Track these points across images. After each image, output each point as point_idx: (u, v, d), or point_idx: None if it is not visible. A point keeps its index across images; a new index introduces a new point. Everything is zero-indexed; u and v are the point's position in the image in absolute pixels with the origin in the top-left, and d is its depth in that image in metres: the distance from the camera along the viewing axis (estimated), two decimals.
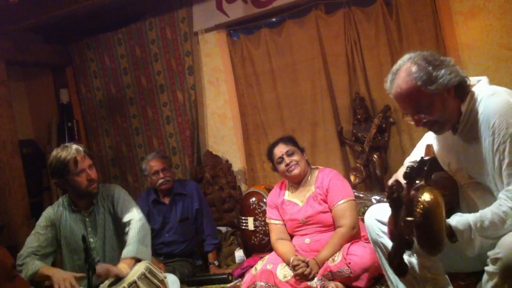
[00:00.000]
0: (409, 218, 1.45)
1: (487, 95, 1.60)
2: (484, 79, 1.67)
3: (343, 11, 3.46)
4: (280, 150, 2.61)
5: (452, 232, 1.47)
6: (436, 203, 1.41)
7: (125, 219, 2.36)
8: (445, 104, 1.60)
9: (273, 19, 3.79)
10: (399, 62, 1.66)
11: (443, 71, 1.57)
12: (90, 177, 2.33)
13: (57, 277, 2.13)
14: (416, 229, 1.44)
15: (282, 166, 2.59)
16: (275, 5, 3.59)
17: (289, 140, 2.68)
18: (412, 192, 1.50)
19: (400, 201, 1.48)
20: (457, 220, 1.49)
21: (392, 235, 1.54)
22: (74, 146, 2.35)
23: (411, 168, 1.50)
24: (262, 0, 3.62)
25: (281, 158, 2.59)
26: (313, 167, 2.68)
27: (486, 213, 1.50)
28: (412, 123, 1.66)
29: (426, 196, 1.41)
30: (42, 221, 2.40)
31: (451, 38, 3.17)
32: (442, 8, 3.20)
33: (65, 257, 2.41)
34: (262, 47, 3.78)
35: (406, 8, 3.28)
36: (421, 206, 1.41)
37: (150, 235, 2.39)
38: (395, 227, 1.49)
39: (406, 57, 1.66)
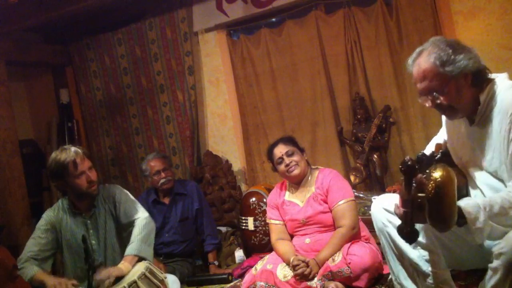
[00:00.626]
0: (420, 194, 1.47)
1: (505, 88, 1.63)
2: (503, 74, 1.70)
3: (343, 11, 3.46)
4: (280, 150, 2.60)
5: (461, 214, 1.49)
6: (448, 178, 1.44)
7: (130, 219, 2.35)
8: (460, 89, 1.63)
9: (273, 19, 3.79)
10: (425, 44, 1.71)
11: (462, 55, 1.61)
12: (90, 179, 2.31)
13: (52, 281, 2.14)
14: (428, 204, 1.46)
15: (282, 167, 2.59)
16: (275, 5, 3.59)
17: (289, 140, 2.68)
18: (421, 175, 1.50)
19: (413, 169, 1.48)
20: (466, 202, 1.51)
21: (404, 202, 1.54)
22: (73, 148, 2.33)
23: (423, 154, 1.52)
24: (262, 0, 3.62)
25: (281, 158, 2.59)
26: (313, 167, 2.68)
27: (496, 198, 1.52)
28: (426, 104, 1.69)
29: (438, 173, 1.45)
30: (42, 224, 2.37)
31: (451, 38, 3.16)
32: (442, 8, 3.21)
33: (67, 260, 2.38)
34: (262, 47, 3.78)
35: (406, 8, 3.28)
36: (433, 182, 1.44)
37: (154, 233, 2.37)
38: (408, 194, 1.50)
39: (431, 40, 1.71)
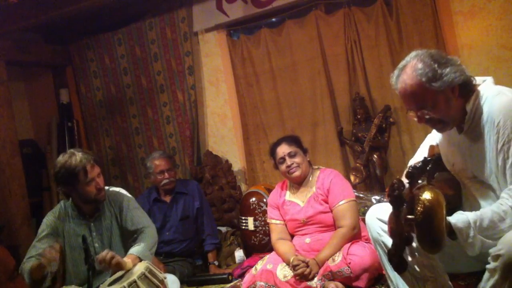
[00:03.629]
0: (409, 216, 1.46)
1: (492, 95, 1.61)
2: (489, 79, 1.68)
3: (343, 11, 3.46)
4: (283, 150, 2.60)
5: (451, 230, 1.49)
6: (437, 202, 1.42)
7: (137, 226, 2.35)
8: (448, 102, 1.61)
9: (273, 19, 3.79)
10: (406, 58, 1.67)
11: (448, 69, 1.58)
12: (99, 186, 2.30)
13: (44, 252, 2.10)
14: (416, 227, 1.45)
15: (283, 167, 2.59)
16: (275, 5, 3.59)
17: (293, 140, 2.66)
18: (414, 191, 1.50)
19: (401, 199, 1.48)
20: (457, 218, 1.50)
21: (392, 233, 1.55)
22: (82, 155, 2.28)
23: (413, 167, 1.50)
24: (262, 0, 3.62)
25: (283, 158, 2.58)
26: (314, 167, 2.68)
27: (487, 212, 1.51)
28: (415, 119, 1.68)
29: (427, 195, 1.43)
30: (43, 229, 2.33)
31: (451, 38, 3.17)
32: (442, 8, 3.20)
33: (69, 264, 2.35)
34: (262, 47, 3.78)
35: (406, 8, 3.28)
36: (422, 205, 1.42)
37: (156, 246, 2.38)
38: (396, 224, 1.50)
39: (413, 54, 1.66)
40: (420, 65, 1.60)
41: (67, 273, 2.35)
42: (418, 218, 1.43)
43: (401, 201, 1.49)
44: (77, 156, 2.26)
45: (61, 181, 2.29)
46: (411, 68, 1.62)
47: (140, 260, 2.22)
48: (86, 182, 2.25)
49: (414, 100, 1.63)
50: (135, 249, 2.24)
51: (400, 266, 1.54)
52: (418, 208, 1.42)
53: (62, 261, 2.37)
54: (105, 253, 2.07)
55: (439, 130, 1.76)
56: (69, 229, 2.35)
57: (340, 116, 3.58)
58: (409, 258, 1.71)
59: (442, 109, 1.61)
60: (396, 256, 1.53)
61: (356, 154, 3.41)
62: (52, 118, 4.58)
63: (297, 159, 2.56)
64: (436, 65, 1.58)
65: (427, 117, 1.64)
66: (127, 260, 2.16)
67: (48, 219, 2.36)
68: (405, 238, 1.50)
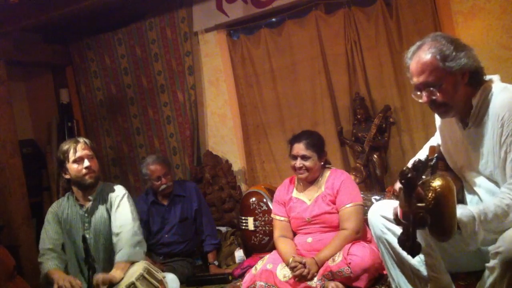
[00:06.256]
0: (420, 204, 1.45)
1: (497, 91, 1.64)
2: (495, 77, 1.71)
3: (343, 11, 3.46)
4: (298, 150, 2.56)
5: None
6: (448, 188, 1.43)
7: (114, 230, 2.38)
8: (456, 86, 1.63)
9: (273, 19, 3.78)
10: (424, 38, 1.72)
11: (463, 53, 1.62)
12: (87, 165, 2.39)
13: (57, 277, 2.19)
14: (428, 214, 1.44)
15: (292, 163, 2.59)
16: (275, 5, 3.59)
17: (313, 144, 2.57)
18: (418, 186, 1.48)
19: (414, 181, 1.45)
20: (460, 212, 1.50)
21: (404, 215, 1.50)
22: (78, 138, 2.50)
23: (419, 160, 1.48)
24: (262, 0, 3.62)
25: (296, 157, 2.58)
26: (326, 166, 2.66)
27: (489, 206, 1.51)
28: (420, 100, 1.69)
29: (438, 182, 1.43)
30: (47, 216, 2.50)
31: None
32: (442, 8, 3.20)
33: (65, 250, 2.45)
34: (262, 47, 3.78)
35: (406, 8, 3.28)
36: (433, 191, 1.42)
37: (141, 238, 2.40)
38: (409, 207, 1.46)
39: (431, 34, 1.72)
40: (437, 44, 1.64)
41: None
42: (429, 205, 1.42)
43: (414, 184, 1.45)
44: (72, 139, 2.49)
45: (58, 163, 2.49)
46: (428, 45, 1.66)
47: (131, 263, 2.25)
48: (74, 160, 2.40)
49: (424, 76, 1.64)
50: (121, 254, 2.27)
51: (414, 250, 1.48)
52: (430, 195, 1.42)
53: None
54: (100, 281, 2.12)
55: (441, 115, 1.77)
56: (67, 215, 2.48)
57: (340, 116, 3.58)
58: (412, 259, 1.70)
59: (449, 91, 1.63)
60: (409, 240, 1.47)
61: (356, 154, 3.41)
62: (52, 118, 4.58)
63: (307, 163, 2.54)
64: (452, 47, 1.62)
65: (433, 97, 1.65)
66: (116, 272, 2.18)
67: (52, 207, 2.55)
68: (419, 219, 1.45)
